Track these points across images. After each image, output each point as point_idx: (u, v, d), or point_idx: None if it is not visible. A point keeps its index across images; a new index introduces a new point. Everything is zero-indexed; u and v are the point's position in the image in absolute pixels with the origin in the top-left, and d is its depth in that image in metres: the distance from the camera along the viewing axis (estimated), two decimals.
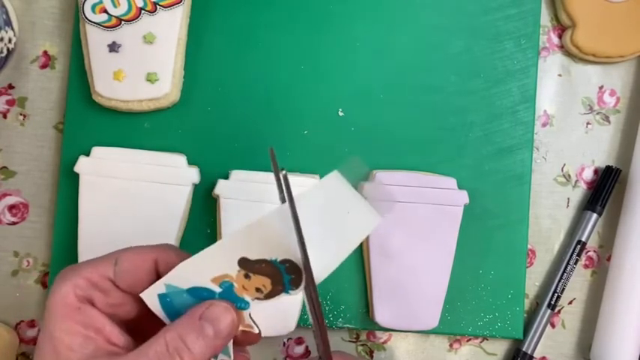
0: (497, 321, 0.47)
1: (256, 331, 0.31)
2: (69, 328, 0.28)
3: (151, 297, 0.30)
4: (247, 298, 0.30)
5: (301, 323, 0.46)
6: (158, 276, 0.30)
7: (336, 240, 0.31)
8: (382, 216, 0.45)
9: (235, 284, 0.29)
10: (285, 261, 0.29)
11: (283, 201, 0.28)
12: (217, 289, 0.29)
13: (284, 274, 0.29)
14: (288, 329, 0.45)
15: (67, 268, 0.30)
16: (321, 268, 0.30)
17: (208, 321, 0.29)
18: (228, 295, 0.30)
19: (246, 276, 0.29)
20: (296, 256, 0.28)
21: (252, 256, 0.29)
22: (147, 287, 0.30)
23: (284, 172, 0.28)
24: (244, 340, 0.32)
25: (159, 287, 0.29)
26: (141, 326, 0.31)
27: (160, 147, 0.45)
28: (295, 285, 0.29)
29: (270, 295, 0.30)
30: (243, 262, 0.29)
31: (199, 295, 0.30)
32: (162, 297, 0.30)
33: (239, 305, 0.30)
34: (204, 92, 0.46)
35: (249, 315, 0.31)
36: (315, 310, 0.30)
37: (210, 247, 0.28)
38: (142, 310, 0.31)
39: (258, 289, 0.30)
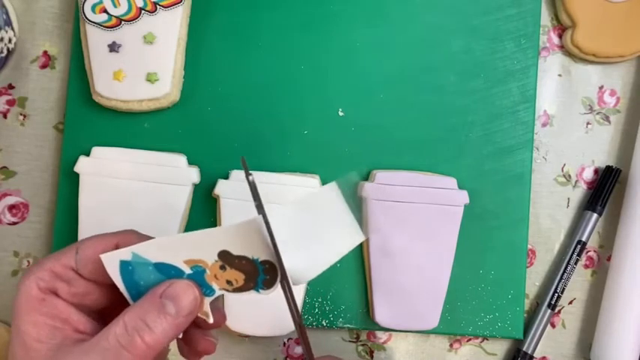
0: (497, 321, 0.47)
1: (210, 321, 0.31)
2: (35, 321, 0.29)
3: (111, 261, 0.29)
4: (215, 286, 0.30)
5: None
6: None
7: (320, 249, 0.31)
8: (381, 216, 0.45)
9: (208, 271, 0.29)
10: (265, 262, 0.29)
11: (258, 205, 0.28)
12: (187, 270, 0.29)
13: (260, 274, 0.29)
14: (288, 329, 0.45)
15: (33, 264, 0.30)
16: (300, 273, 0.30)
17: (169, 299, 0.28)
18: (197, 278, 0.30)
19: (222, 267, 0.29)
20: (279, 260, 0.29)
21: (235, 251, 0.29)
22: (107, 276, 0.30)
23: (251, 177, 0.28)
24: (201, 324, 0.32)
25: (123, 254, 0.29)
26: (111, 314, 0.31)
27: (160, 147, 0.45)
28: (267, 286, 0.29)
29: (238, 290, 0.30)
30: (224, 255, 0.29)
31: (166, 271, 0.29)
32: (124, 264, 0.29)
33: (205, 291, 0.30)
34: (204, 92, 0.46)
35: (209, 303, 0.31)
36: (293, 312, 0.30)
37: (195, 232, 0.29)
38: (110, 298, 0.31)
39: (229, 282, 0.30)
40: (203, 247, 0.29)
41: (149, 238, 0.30)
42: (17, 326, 0.29)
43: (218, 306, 0.32)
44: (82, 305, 0.30)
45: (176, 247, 0.29)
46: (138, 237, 0.31)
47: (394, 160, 0.47)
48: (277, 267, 0.29)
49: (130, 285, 0.30)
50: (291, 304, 0.30)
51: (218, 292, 0.30)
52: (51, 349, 0.28)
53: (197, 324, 0.31)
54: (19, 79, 0.47)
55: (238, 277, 0.30)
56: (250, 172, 0.28)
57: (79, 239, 0.43)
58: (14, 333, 0.29)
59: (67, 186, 0.45)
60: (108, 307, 0.31)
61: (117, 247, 0.30)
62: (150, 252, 0.29)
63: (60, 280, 0.30)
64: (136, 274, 0.30)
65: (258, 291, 0.30)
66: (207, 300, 0.30)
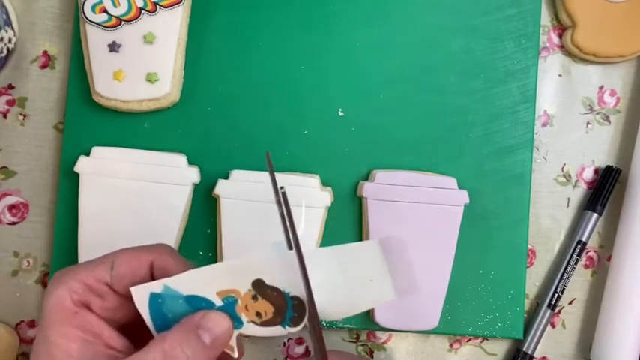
0: (497, 321, 0.47)
1: (235, 355, 0.30)
2: (66, 333, 0.28)
3: (141, 293, 0.29)
4: (244, 318, 0.30)
5: None
6: (153, 279, 0.30)
7: (349, 297, 0.31)
8: (381, 216, 0.45)
9: (239, 301, 0.29)
10: (295, 297, 0.29)
11: (281, 214, 0.28)
12: (219, 302, 0.29)
13: (289, 309, 0.29)
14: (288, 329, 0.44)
15: (63, 271, 0.30)
16: (328, 313, 0.30)
17: (205, 329, 0.28)
18: (228, 309, 0.30)
19: (254, 297, 0.29)
20: (309, 295, 0.29)
21: (268, 281, 0.29)
22: None
23: (283, 190, 0.28)
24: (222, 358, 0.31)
25: (155, 286, 0.29)
26: (138, 329, 0.31)
27: (160, 147, 0.45)
28: (294, 324, 0.30)
29: (266, 323, 0.30)
30: (258, 284, 0.29)
31: (197, 304, 0.29)
32: (153, 297, 0.29)
33: (234, 324, 0.30)
34: (204, 92, 0.46)
35: (236, 337, 0.31)
36: (319, 347, 0.29)
37: (228, 262, 0.29)
38: (139, 314, 0.31)
39: (258, 314, 0.30)
40: (238, 275, 0.29)
41: (182, 257, 0.30)
42: (47, 336, 0.28)
43: (240, 341, 0.32)
44: (111, 319, 0.30)
45: (210, 277, 0.29)
46: (171, 254, 0.31)
47: (394, 160, 0.47)
48: (306, 305, 0.29)
49: (157, 316, 0.30)
50: (317, 345, 0.29)
51: (246, 325, 0.30)
52: None
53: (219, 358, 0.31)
54: (19, 79, 0.47)
55: (268, 309, 0.30)
56: (282, 187, 0.29)
57: (79, 239, 0.43)
58: (41, 340, 0.28)
59: (67, 186, 0.45)
60: (132, 321, 0.31)
61: (152, 266, 0.30)
62: (182, 284, 0.29)
63: (93, 293, 0.29)
64: (165, 307, 0.29)
65: (284, 327, 0.30)
66: (235, 332, 0.30)
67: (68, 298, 0.28)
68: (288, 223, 0.29)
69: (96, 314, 0.29)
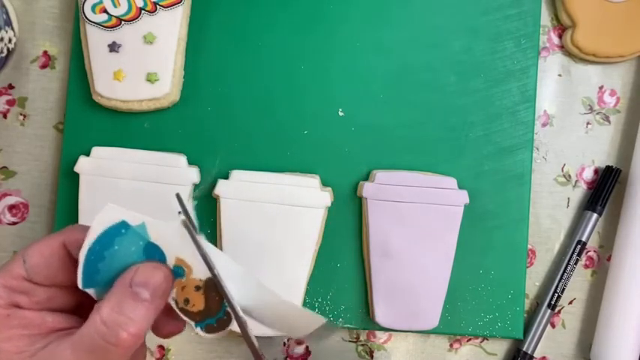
0: (497, 321, 0.47)
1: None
2: (7, 336, 0.28)
3: (107, 219, 0.28)
4: (172, 294, 0.30)
5: None
6: (71, 258, 0.29)
7: (271, 319, 0.31)
8: (381, 216, 0.45)
9: (184, 279, 0.29)
10: (227, 313, 0.29)
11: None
12: (170, 264, 0.29)
13: (213, 318, 0.29)
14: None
15: None
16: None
17: (140, 285, 0.28)
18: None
19: (197, 288, 0.29)
20: (239, 314, 0.29)
21: (221, 284, 0.29)
22: (65, 275, 0.29)
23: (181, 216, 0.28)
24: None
25: (132, 218, 0.28)
26: (87, 307, 0.30)
27: (160, 147, 0.45)
28: (207, 330, 0.30)
29: (183, 312, 0.30)
30: (210, 282, 0.29)
31: (151, 254, 0.29)
32: (115, 229, 0.28)
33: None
34: (204, 92, 0.46)
35: None
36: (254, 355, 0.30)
37: (210, 246, 0.28)
38: (79, 295, 0.30)
39: (186, 301, 0.30)
40: (205, 261, 0.29)
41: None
42: None
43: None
44: (52, 307, 0.29)
45: (182, 243, 0.29)
46: (81, 229, 0.30)
47: (394, 160, 0.47)
48: (229, 325, 0.29)
49: (90, 267, 0.29)
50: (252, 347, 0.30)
51: (168, 299, 0.30)
52: (34, 353, 0.27)
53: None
54: (19, 79, 0.47)
55: (198, 305, 0.30)
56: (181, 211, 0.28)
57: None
58: None
59: (67, 186, 0.45)
60: (81, 303, 0.31)
61: (64, 246, 0.29)
62: (157, 231, 0.29)
63: (17, 293, 0.29)
64: (114, 245, 0.28)
65: (196, 327, 0.30)
66: None
67: None
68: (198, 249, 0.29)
69: (30, 309, 0.29)
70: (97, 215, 0.28)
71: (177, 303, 0.30)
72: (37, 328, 0.28)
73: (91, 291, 0.29)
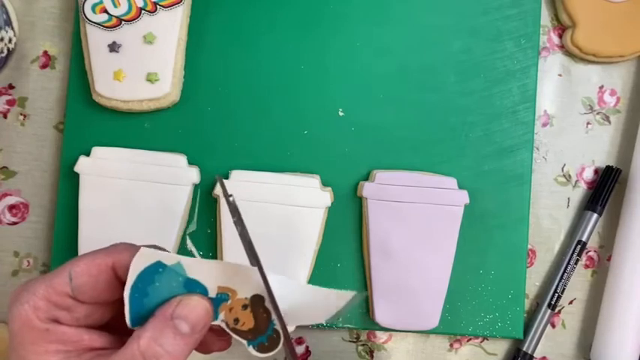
0: (497, 321, 0.47)
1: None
2: (44, 351, 0.27)
3: (145, 259, 0.28)
4: (221, 316, 0.30)
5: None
6: (119, 280, 0.29)
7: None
8: (381, 216, 0.45)
9: (230, 301, 0.29)
10: (275, 331, 0.29)
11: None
12: (213, 294, 0.29)
13: (264, 336, 0.30)
14: (289, 329, 0.44)
15: (20, 289, 0.28)
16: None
17: (181, 318, 0.27)
18: (215, 301, 0.30)
19: (245, 306, 0.29)
20: (286, 333, 0.29)
21: (266, 302, 0.29)
22: (109, 295, 0.29)
23: (232, 198, 0.28)
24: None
25: (168, 258, 0.28)
26: (123, 323, 0.30)
27: (160, 147, 0.45)
28: (260, 350, 0.30)
29: (235, 332, 0.30)
30: (256, 299, 0.29)
31: (192, 288, 0.29)
32: (154, 267, 0.28)
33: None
34: (204, 92, 0.46)
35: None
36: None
37: (244, 265, 0.29)
38: (116, 311, 0.30)
39: (236, 320, 0.30)
40: (244, 281, 0.29)
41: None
42: (22, 356, 0.27)
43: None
44: (89, 325, 0.29)
45: (220, 270, 0.29)
46: (130, 251, 0.29)
47: (394, 160, 0.47)
48: (280, 341, 0.29)
49: (136, 304, 0.29)
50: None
51: (218, 322, 0.30)
52: None
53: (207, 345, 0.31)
54: (19, 79, 0.47)
55: (248, 323, 0.30)
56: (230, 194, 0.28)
57: (79, 239, 0.43)
58: None
59: (67, 186, 0.45)
60: (115, 318, 0.30)
61: (113, 268, 0.29)
62: (192, 268, 0.29)
63: (59, 308, 0.28)
64: (155, 282, 0.29)
65: (249, 345, 0.30)
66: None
67: (34, 317, 0.27)
68: (247, 246, 0.29)
69: (68, 325, 0.28)
70: (133, 259, 0.28)
71: (227, 324, 0.30)
72: (74, 345, 0.28)
73: (137, 324, 0.29)
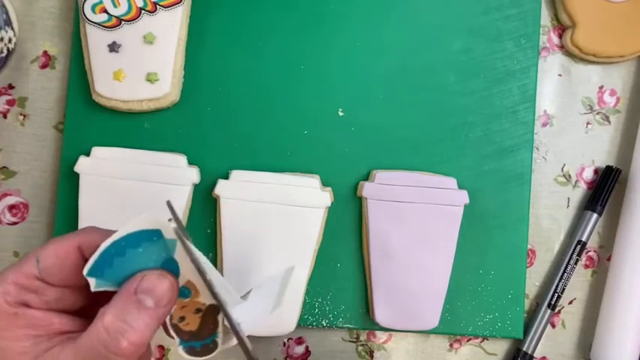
0: (497, 321, 0.47)
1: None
2: (14, 335, 0.27)
3: (142, 222, 0.28)
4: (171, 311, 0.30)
5: (301, 323, 0.46)
6: (86, 262, 0.28)
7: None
8: (381, 216, 0.45)
9: (187, 299, 0.29)
10: (214, 342, 0.30)
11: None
12: (180, 283, 0.29)
13: (199, 342, 0.30)
14: (288, 329, 0.45)
15: None
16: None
17: (145, 292, 0.27)
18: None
19: (198, 310, 0.30)
20: (230, 344, 0.29)
21: (219, 315, 0.29)
22: (77, 278, 0.29)
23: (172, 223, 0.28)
24: None
25: (166, 228, 0.28)
26: (94, 309, 0.30)
27: (160, 147, 0.45)
28: (189, 353, 0.30)
29: (174, 328, 0.30)
30: (212, 309, 0.29)
31: (167, 268, 0.29)
32: (141, 234, 0.28)
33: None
34: (204, 92, 0.46)
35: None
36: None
37: (219, 277, 0.29)
38: (87, 297, 0.30)
39: (182, 318, 0.30)
40: (208, 288, 0.29)
41: (110, 232, 0.29)
42: None
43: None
44: (60, 308, 0.29)
45: (201, 268, 0.29)
46: (99, 233, 0.29)
47: (394, 160, 0.47)
48: (216, 350, 0.30)
49: (105, 258, 0.28)
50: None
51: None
52: (37, 355, 0.27)
53: None
54: (19, 79, 0.47)
55: (192, 326, 0.30)
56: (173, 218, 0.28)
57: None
58: None
59: (67, 186, 0.45)
60: (88, 305, 0.30)
61: (79, 249, 0.29)
62: (182, 250, 0.28)
63: (27, 291, 0.28)
64: (139, 248, 0.28)
65: (180, 345, 0.30)
66: None
67: (2, 302, 0.27)
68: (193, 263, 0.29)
69: (39, 309, 0.28)
70: (140, 215, 0.28)
71: (171, 318, 0.30)
72: (43, 329, 0.28)
73: (92, 280, 0.28)
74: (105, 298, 0.29)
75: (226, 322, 0.29)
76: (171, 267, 0.29)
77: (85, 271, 0.28)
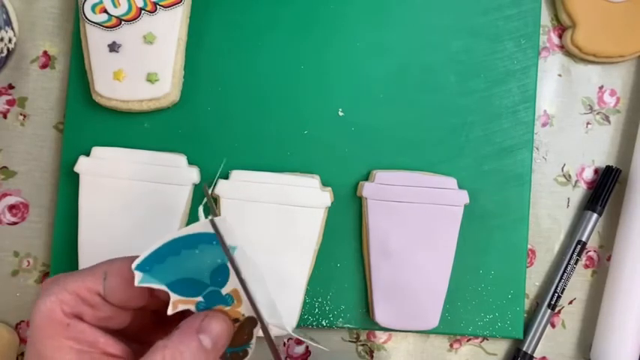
0: (497, 321, 0.47)
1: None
2: (60, 346, 0.27)
3: (208, 225, 0.28)
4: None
5: (301, 323, 0.46)
6: (150, 288, 0.29)
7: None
8: (381, 216, 0.45)
9: (228, 307, 0.30)
10: (246, 351, 0.31)
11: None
12: (225, 291, 0.30)
13: (232, 349, 0.30)
14: (288, 329, 0.45)
15: (51, 281, 0.29)
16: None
17: (206, 333, 0.28)
18: (217, 297, 0.30)
19: (235, 320, 0.30)
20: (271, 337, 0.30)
21: (255, 328, 0.30)
22: (137, 301, 0.29)
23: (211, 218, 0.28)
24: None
25: (232, 235, 0.28)
26: (137, 332, 0.30)
27: (160, 147, 0.45)
28: (221, 356, 0.30)
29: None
30: (250, 321, 0.30)
31: (216, 275, 0.29)
32: (203, 236, 0.28)
33: (209, 301, 0.30)
34: (204, 92, 0.46)
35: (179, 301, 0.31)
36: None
37: (265, 289, 0.30)
38: (135, 319, 0.30)
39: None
40: (250, 303, 0.29)
41: None
42: (38, 350, 0.27)
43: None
44: (106, 327, 0.29)
45: (244, 282, 0.29)
46: None
47: (394, 160, 0.47)
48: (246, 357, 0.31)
49: (159, 254, 0.28)
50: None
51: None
52: None
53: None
54: (19, 79, 0.47)
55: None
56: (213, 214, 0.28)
57: (80, 239, 0.43)
58: (33, 356, 0.27)
59: (67, 186, 0.45)
60: (130, 326, 0.31)
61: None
62: (238, 258, 0.29)
63: (85, 304, 0.28)
64: (196, 249, 0.28)
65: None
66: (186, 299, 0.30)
67: (58, 310, 0.27)
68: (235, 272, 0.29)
69: (89, 324, 0.28)
70: (210, 218, 0.28)
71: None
72: (88, 344, 0.28)
73: (138, 274, 0.28)
74: (149, 321, 0.29)
75: (261, 333, 0.30)
76: (220, 275, 0.29)
77: (133, 266, 0.28)
